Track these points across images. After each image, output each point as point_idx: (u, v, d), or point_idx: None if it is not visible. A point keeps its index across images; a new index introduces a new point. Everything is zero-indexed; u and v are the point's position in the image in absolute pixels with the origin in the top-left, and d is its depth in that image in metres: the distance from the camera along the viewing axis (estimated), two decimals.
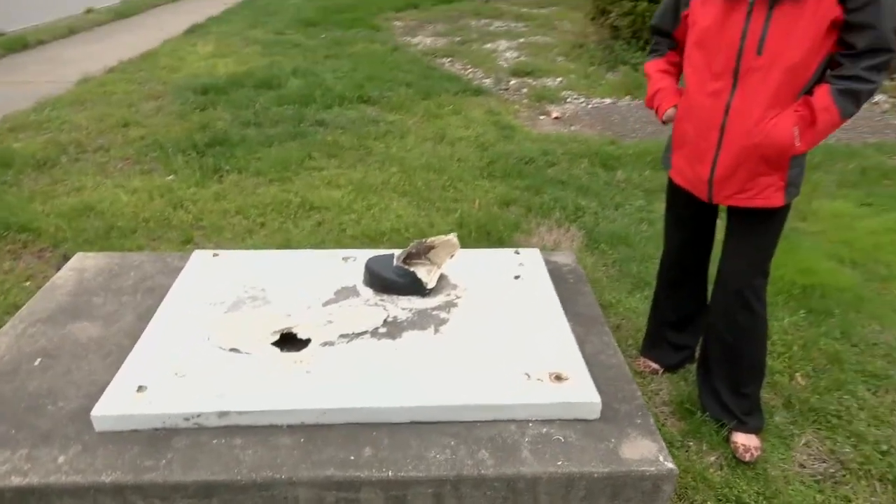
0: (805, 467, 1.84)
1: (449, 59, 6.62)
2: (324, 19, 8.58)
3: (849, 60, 1.51)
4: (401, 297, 1.68)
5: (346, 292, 1.70)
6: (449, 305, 1.66)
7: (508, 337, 1.47)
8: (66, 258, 2.34)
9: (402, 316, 1.61)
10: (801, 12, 1.48)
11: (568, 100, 5.35)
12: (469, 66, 6.35)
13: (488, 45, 7.19)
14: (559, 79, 5.86)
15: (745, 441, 1.85)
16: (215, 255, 1.87)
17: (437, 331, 1.55)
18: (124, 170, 3.64)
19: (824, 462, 1.86)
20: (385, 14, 9.37)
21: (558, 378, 1.36)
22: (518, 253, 1.94)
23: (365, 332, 1.51)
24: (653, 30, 1.84)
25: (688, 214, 1.95)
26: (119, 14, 9.07)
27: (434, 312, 1.62)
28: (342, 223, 3.03)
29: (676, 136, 1.80)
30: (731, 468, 1.81)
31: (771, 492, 1.74)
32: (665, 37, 1.81)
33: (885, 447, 1.89)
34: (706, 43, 1.63)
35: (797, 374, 2.18)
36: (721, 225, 1.89)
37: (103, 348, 1.48)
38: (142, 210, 3.09)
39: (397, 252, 1.75)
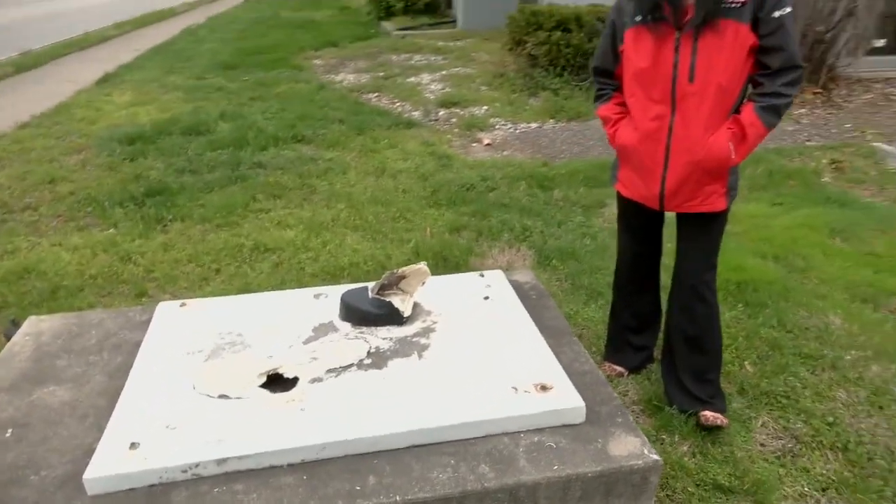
0: (765, 446, 2.02)
1: (375, 95, 6.75)
2: (242, 62, 8.53)
3: (767, 79, 1.74)
4: (379, 328, 1.73)
5: (324, 328, 1.73)
6: (427, 331, 1.72)
7: (490, 354, 1.54)
8: (15, 324, 2.23)
9: (385, 346, 1.65)
10: (721, 42, 1.69)
11: (496, 126, 5.58)
12: (396, 100, 6.49)
13: (412, 79, 7.38)
14: (485, 107, 6.10)
15: (712, 414, 2.02)
16: (183, 304, 1.85)
17: (420, 356, 1.60)
18: (59, 227, 3.49)
19: (781, 439, 2.04)
20: (304, 53, 9.43)
21: (543, 388, 1.44)
22: (483, 276, 2.02)
23: (351, 365, 1.54)
24: (596, 71, 2.02)
25: (638, 224, 2.12)
26: (21, 66, 8.65)
27: (414, 339, 1.67)
28: (300, 262, 3.04)
29: (626, 156, 1.97)
30: (703, 455, 1.95)
31: (740, 472, 1.89)
32: (608, 77, 1.99)
33: (830, 419, 2.10)
34: (643, 76, 1.82)
35: (745, 362, 2.38)
36: (668, 233, 2.07)
37: (78, 411, 1.44)
38: (87, 267, 2.98)
39: (371, 284, 1.80)
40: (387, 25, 11.89)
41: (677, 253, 2.03)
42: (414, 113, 6.02)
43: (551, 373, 1.49)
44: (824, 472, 1.91)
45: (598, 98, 2.04)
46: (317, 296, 1.91)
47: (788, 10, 1.68)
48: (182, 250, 3.17)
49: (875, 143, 5.04)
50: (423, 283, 1.82)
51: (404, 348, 1.63)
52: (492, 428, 1.35)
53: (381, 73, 7.73)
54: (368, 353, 1.61)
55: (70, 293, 2.74)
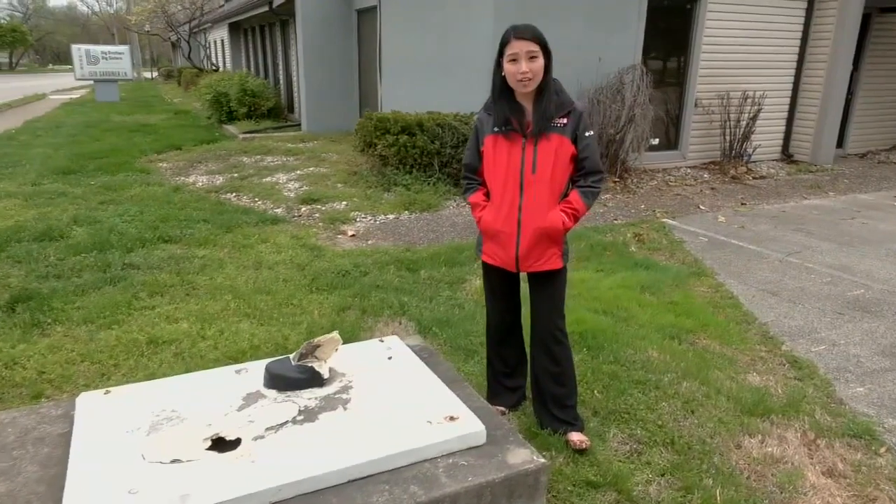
0: (618, 450, 2.59)
1: (235, 194, 6.97)
2: (81, 167, 8.28)
3: (582, 178, 2.48)
4: (303, 391, 2.02)
5: (253, 397, 1.96)
6: (346, 388, 2.05)
7: (403, 399, 1.87)
8: None
9: (312, 404, 1.93)
10: (552, 148, 2.38)
11: (358, 219, 6.09)
12: (257, 199, 6.78)
13: (268, 179, 7.71)
14: (344, 202, 6.61)
15: (578, 438, 2.58)
16: (107, 392, 1.93)
17: (346, 408, 1.90)
18: None
19: (628, 443, 2.63)
20: (147, 157, 9.36)
21: (452, 419, 1.82)
22: (382, 341, 2.41)
23: (287, 422, 1.77)
24: (466, 168, 2.63)
25: (500, 286, 2.70)
26: None
27: (336, 396, 1.98)
28: (199, 350, 3.19)
29: (489, 233, 2.55)
30: (574, 463, 2.47)
31: (603, 471, 2.43)
32: (474, 172, 2.59)
33: (660, 423, 2.75)
34: (499, 168, 2.46)
35: (595, 390, 3.00)
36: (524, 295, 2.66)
37: (19, 500, 1.46)
38: None
39: (291, 355, 2.12)
40: (231, 129, 12.15)
41: (532, 307, 2.64)
42: (277, 210, 6.34)
43: (455, 407, 1.87)
44: (661, 461, 2.52)
45: (467, 189, 2.63)
46: (238, 371, 2.15)
47: (592, 132, 2.45)
48: (71, 351, 3.16)
49: (663, 219, 6.34)
50: (336, 350, 2.16)
51: (330, 404, 1.92)
52: (415, 456, 1.61)
53: (236, 174, 7.97)
54: (299, 411, 1.88)
55: None
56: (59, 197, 6.63)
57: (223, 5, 21.95)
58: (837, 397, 3.05)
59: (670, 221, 6.26)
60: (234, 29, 19.47)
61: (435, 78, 8.50)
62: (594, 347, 3.42)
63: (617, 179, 7.69)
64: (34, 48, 75.92)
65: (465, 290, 4.25)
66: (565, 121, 2.40)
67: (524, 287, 2.68)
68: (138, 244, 4.95)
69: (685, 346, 3.51)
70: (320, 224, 5.90)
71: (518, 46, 2.30)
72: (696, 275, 4.70)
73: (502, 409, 2.83)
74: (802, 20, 9.01)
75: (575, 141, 2.42)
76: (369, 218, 6.14)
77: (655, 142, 8.50)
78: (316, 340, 2.16)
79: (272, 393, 2.00)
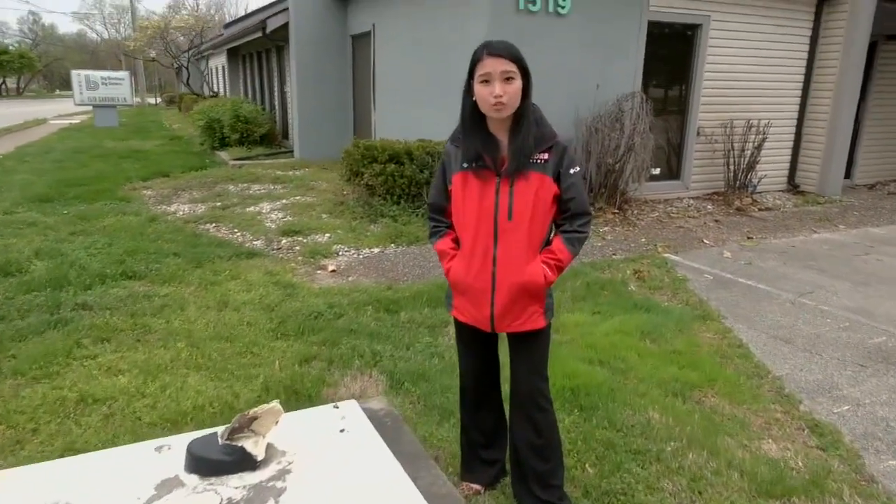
0: None
1: (214, 225, 6.63)
2: (60, 194, 7.97)
3: (567, 222, 2.10)
4: (231, 476, 1.68)
5: (168, 485, 1.63)
6: (283, 473, 1.69)
7: (348, 493, 1.55)
8: None
9: (237, 496, 1.59)
10: (531, 188, 2.01)
11: (340, 252, 5.73)
12: (236, 230, 6.44)
13: (251, 208, 7.39)
14: (328, 234, 6.26)
15: None
16: None
17: (277, 503, 1.58)
18: None
19: None
20: (132, 184, 9.07)
21: None
22: (338, 407, 2.04)
23: None
24: (431, 208, 2.26)
25: (474, 345, 2.31)
26: None
27: (269, 484, 1.63)
28: (135, 411, 2.80)
29: (458, 284, 2.18)
30: None
31: None
32: (441, 214, 2.22)
33: None
34: (469, 212, 2.09)
35: (586, 464, 2.59)
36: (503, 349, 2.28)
37: None
38: None
39: (220, 430, 1.75)
40: (222, 155, 11.91)
41: (511, 369, 2.24)
42: (255, 242, 5.99)
43: (413, 499, 1.54)
44: None
45: (433, 234, 2.26)
46: (158, 448, 1.80)
47: (578, 168, 2.08)
48: None
49: (665, 255, 5.96)
50: (277, 423, 1.80)
51: (259, 495, 1.58)
52: None
53: (219, 203, 7.65)
54: None
55: None
56: (28, 227, 6.30)
57: (222, 33, 21.99)
58: (868, 473, 2.63)
59: (672, 257, 5.88)
60: (233, 55, 19.40)
61: (428, 104, 8.22)
62: (587, 407, 3.02)
63: (616, 211, 7.34)
64: (42, 74, 76.89)
65: (446, 335, 3.86)
66: (546, 156, 2.03)
67: (503, 342, 2.30)
68: (98, 281, 4.58)
69: (690, 406, 3.10)
70: (299, 258, 5.54)
71: (491, 65, 1.94)
72: (701, 318, 4.30)
73: (477, 487, 2.42)
74: (807, 47, 8.74)
75: (558, 179, 2.05)
76: (352, 252, 5.78)
77: (656, 171, 8.17)
78: (252, 412, 1.81)
79: (193, 479, 1.67)
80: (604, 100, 7.31)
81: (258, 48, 15.81)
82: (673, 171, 8.60)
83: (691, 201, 8.37)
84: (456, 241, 2.20)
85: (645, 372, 3.44)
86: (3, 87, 68.51)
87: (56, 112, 30.11)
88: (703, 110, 8.35)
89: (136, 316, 3.96)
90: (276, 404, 1.79)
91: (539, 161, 2.03)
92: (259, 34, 11.88)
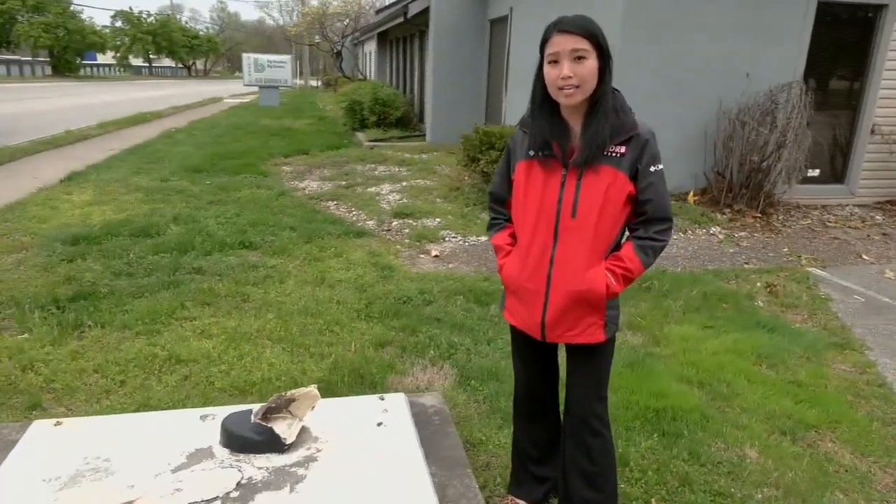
0: None
1: (334, 203, 6.89)
2: (211, 166, 8.73)
3: (642, 227, 1.81)
4: (258, 456, 1.66)
5: (199, 455, 1.65)
6: (308, 461, 1.65)
7: (363, 491, 1.47)
8: None
9: (258, 476, 1.57)
10: (602, 185, 1.75)
11: (446, 238, 5.68)
12: (353, 209, 6.63)
13: (372, 189, 7.58)
14: (438, 219, 6.24)
15: None
16: (58, 423, 1.77)
17: (293, 490, 1.52)
18: None
19: None
20: (274, 160, 9.71)
21: None
22: (383, 399, 1.97)
23: (215, 499, 1.46)
24: (492, 197, 2.07)
25: (528, 351, 2.09)
26: None
27: (292, 469, 1.60)
28: (210, 376, 2.94)
29: (510, 283, 1.98)
30: None
31: None
32: (502, 205, 2.03)
33: None
34: (530, 205, 1.87)
35: (653, 499, 2.28)
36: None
37: None
38: None
39: (256, 407, 1.74)
40: (360, 136, 12.40)
41: (566, 385, 2.00)
42: (368, 222, 6.12)
43: None
44: None
45: (491, 226, 2.08)
46: (203, 417, 1.84)
47: (661, 166, 1.78)
48: (91, 359, 3.05)
49: (809, 269, 5.20)
50: (313, 408, 1.77)
51: (278, 479, 1.55)
52: None
53: (344, 182, 7.95)
54: (238, 484, 1.53)
55: None
56: (177, 194, 6.95)
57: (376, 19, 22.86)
58: None
59: (818, 272, 5.12)
60: (382, 40, 20.12)
61: None
62: (670, 433, 2.68)
63: (758, 215, 6.56)
64: (226, 56, 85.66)
65: None
66: (623, 150, 1.76)
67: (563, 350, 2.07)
68: (217, 248, 4.92)
69: (800, 448, 2.65)
70: (406, 241, 5.56)
71: (560, 43, 1.70)
72: (839, 346, 3.68)
73: None
74: None
75: (635, 177, 1.77)
76: (459, 238, 5.70)
77: (814, 173, 7.19)
78: (290, 393, 1.82)
79: (223, 453, 1.70)
80: (754, 90, 6.53)
81: (402, 34, 16.22)
82: (836, 173, 7.52)
83: (856, 209, 7.27)
84: (514, 236, 2.00)
85: (751, 401, 3.00)
86: (194, 67, 77.40)
87: (231, 92, 33.30)
88: (881, 105, 7.18)
89: (239, 284, 4.18)
90: (312, 389, 1.76)
91: (614, 154, 1.76)
92: (401, 19, 12.14)
